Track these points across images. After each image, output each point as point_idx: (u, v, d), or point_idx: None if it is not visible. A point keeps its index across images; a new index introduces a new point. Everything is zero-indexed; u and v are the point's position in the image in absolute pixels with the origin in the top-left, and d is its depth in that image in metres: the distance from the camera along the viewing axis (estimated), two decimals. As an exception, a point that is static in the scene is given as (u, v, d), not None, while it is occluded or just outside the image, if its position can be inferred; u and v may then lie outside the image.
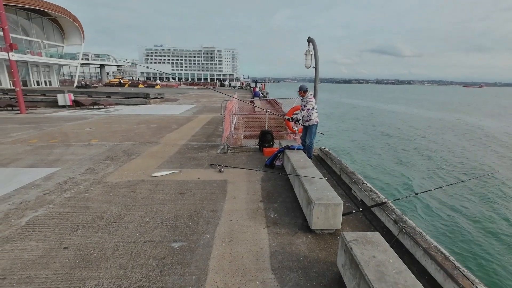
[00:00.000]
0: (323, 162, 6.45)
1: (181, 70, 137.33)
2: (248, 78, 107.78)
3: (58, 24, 37.38)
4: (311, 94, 5.99)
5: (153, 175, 5.18)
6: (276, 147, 6.72)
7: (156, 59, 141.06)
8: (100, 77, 54.59)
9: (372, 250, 2.25)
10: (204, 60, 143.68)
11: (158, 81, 65.99)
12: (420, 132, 22.81)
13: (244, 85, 67.36)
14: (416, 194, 3.69)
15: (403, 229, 3.05)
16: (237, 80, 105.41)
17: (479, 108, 47.30)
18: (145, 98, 20.56)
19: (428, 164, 13.35)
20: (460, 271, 2.37)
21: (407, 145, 17.62)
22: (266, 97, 29.17)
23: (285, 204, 4.08)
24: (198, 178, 5.10)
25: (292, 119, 6.49)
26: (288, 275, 2.59)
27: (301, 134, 6.57)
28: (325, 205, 3.22)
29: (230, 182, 4.92)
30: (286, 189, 4.64)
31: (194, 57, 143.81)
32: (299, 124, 6.35)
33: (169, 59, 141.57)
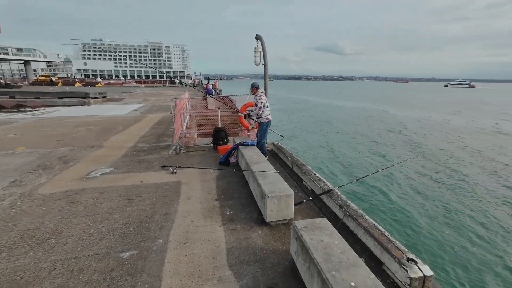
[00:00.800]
0: (276, 156, 6.68)
1: (126, 67, 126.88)
2: (200, 75, 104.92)
3: (-37, 11, 31.13)
4: (262, 92, 6.10)
5: (87, 176, 4.78)
6: (230, 145, 6.72)
7: (95, 55, 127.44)
8: (25, 75, 47.12)
9: (320, 235, 2.43)
10: (151, 57, 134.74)
11: (99, 79, 59.91)
12: (358, 124, 25.15)
13: (196, 83, 65.48)
14: (357, 179, 4.09)
15: (347, 213, 3.35)
16: (189, 77, 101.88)
17: (404, 102, 54.01)
18: (84, 98, 18.54)
19: (366, 151, 14.86)
20: (393, 243, 2.70)
21: (351, 136, 19.31)
22: (219, 94, 28.85)
23: (240, 200, 4.13)
24: (149, 181, 4.83)
25: (248, 115, 6.49)
26: (245, 269, 2.64)
27: (256, 131, 6.67)
28: (277, 197, 3.34)
29: (184, 183, 4.77)
30: (241, 186, 4.69)
31: (140, 53, 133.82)
32: (252, 119, 6.42)
33: (110, 55, 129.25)
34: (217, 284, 2.44)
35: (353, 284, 1.85)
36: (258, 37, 6.96)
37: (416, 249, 6.03)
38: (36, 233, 3.20)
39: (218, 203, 4.04)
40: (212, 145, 7.29)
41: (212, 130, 7.46)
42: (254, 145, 5.76)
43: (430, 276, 2.35)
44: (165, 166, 5.60)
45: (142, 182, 4.79)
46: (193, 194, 4.33)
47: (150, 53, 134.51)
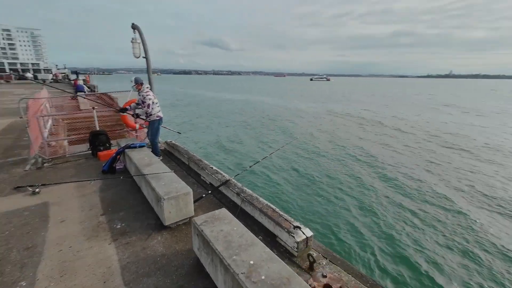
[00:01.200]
0: (171, 155, 6.35)
1: None
2: (65, 68, 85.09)
3: None
4: (148, 87, 5.57)
5: None
6: (114, 149, 5.87)
7: None
8: None
9: (220, 225, 2.50)
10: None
11: None
12: (246, 115, 27.27)
13: (60, 78, 52.84)
14: (250, 166, 4.44)
15: (244, 199, 3.60)
16: (48, 71, 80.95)
17: (283, 93, 62.52)
18: None
19: (256, 139, 16.41)
20: (283, 217, 3.12)
21: (242, 126, 20.68)
22: (94, 91, 24.40)
23: (133, 209, 3.71)
24: (-5, 211, 3.60)
25: (136, 115, 5.76)
26: (146, 282, 2.42)
27: (145, 130, 6.04)
28: (175, 197, 3.20)
29: (54, 204, 3.83)
30: (133, 193, 4.21)
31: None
32: (141, 118, 5.79)
33: None
34: (112, 309, 2.13)
35: (251, 262, 2.02)
36: (134, 27, 6.28)
37: (301, 217, 7.22)
38: None
39: (105, 218, 3.48)
40: (90, 152, 6.15)
41: (88, 135, 6.27)
42: (143, 146, 5.25)
43: (311, 236, 2.87)
44: (20, 186, 4.31)
45: (-17, 214, 3.52)
46: (69, 214, 3.55)
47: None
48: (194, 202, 3.52)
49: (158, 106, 5.57)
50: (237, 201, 3.76)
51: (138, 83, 5.45)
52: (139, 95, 5.49)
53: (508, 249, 6.04)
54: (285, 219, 3.08)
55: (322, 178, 9.99)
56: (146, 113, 5.44)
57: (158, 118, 5.54)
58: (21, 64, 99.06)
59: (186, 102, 39.50)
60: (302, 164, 11.58)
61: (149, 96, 5.38)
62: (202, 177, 4.82)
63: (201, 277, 2.49)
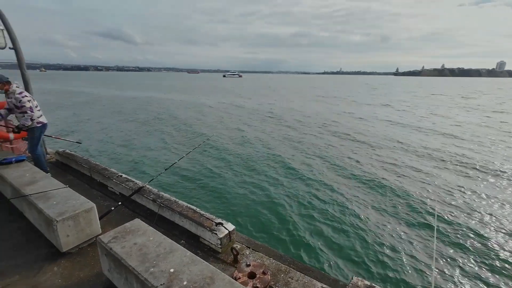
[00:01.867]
0: (66, 166, 5.31)
1: None
2: None
3: None
4: (19, 86, 4.41)
5: None
6: (-24, 168, 4.46)
7: None
8: None
9: (133, 239, 2.26)
10: None
11: None
12: (154, 114, 25.53)
13: None
14: (166, 169, 4.16)
15: (161, 204, 3.36)
16: None
17: (196, 91, 61.49)
18: None
19: (168, 140, 15.61)
20: (205, 216, 3.07)
21: (149, 127, 19.20)
22: None
23: (13, 242, 2.93)
24: None
25: (20, 128, 4.40)
26: (39, 327, 1.96)
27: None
28: (72, 217, 2.70)
29: None
30: (12, 221, 3.32)
31: None
32: (24, 129, 4.48)
33: None
34: None
35: (172, 270, 1.91)
36: (-9, 8, 4.85)
37: (225, 212, 7.32)
38: None
39: (-33, 260, 2.63)
40: None
41: None
42: (23, 159, 4.19)
43: (233, 230, 2.94)
44: None
45: None
46: None
47: None
48: (100, 218, 3.06)
49: (38, 110, 4.52)
50: (154, 208, 3.48)
51: (3, 82, 4.26)
52: (9, 98, 4.31)
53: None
54: (207, 218, 3.04)
55: (240, 173, 10.34)
56: (31, 119, 4.33)
57: (39, 125, 4.48)
58: None
59: (79, 102, 33.65)
60: (219, 162, 11.66)
61: (26, 98, 4.28)
62: (109, 188, 4.23)
63: (115, 301, 2.20)
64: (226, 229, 2.84)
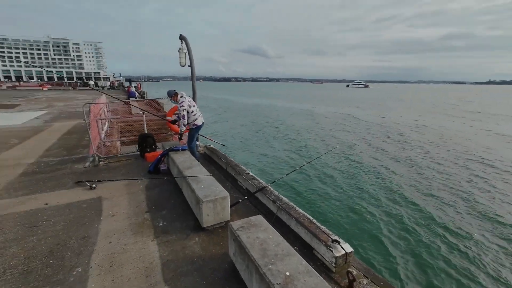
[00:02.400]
0: (210, 159, 6.58)
1: (20, 66, 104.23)
2: (120, 76, 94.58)
3: None
4: (183, 97, 5.49)
5: None
6: (159, 151, 6.28)
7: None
8: None
9: (256, 232, 2.50)
10: (54, 55, 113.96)
11: (-22, 81, 47.12)
12: (285, 121, 27.16)
13: (116, 85, 58.84)
14: (287, 174, 4.38)
15: (280, 207, 3.55)
16: (106, 79, 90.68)
17: (320, 100, 61.07)
18: (-45, 106, 14.36)
19: (293, 146, 16.20)
20: (321, 229, 3.01)
21: (279, 132, 20.64)
22: (143, 97, 26.63)
23: (174, 210, 3.90)
24: (59, 202, 4.09)
25: (175, 121, 6.08)
26: (183, 281, 2.51)
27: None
28: (213, 201, 3.30)
29: (106, 199, 4.22)
30: (175, 193, 4.45)
31: (39, 50, 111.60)
32: (181, 127, 5.99)
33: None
34: (152, 304, 2.25)
35: (287, 273, 1.97)
36: (182, 38, 6.71)
37: (339, 230, 6.87)
38: None
39: (149, 215, 3.73)
40: (138, 153, 6.68)
41: (137, 137, 6.83)
42: (185, 149, 5.53)
43: (351, 252, 2.71)
44: (80, 181, 4.84)
45: (47, 204, 4.02)
46: (118, 209, 3.88)
47: (53, 50, 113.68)
48: (231, 206, 3.58)
49: (194, 115, 5.51)
50: (273, 208, 3.73)
51: (171, 96, 5.53)
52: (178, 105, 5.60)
53: None
54: (323, 231, 2.95)
55: (364, 191, 9.43)
56: (183, 124, 5.48)
57: (194, 127, 5.60)
58: (86, 73, 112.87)
59: (224, 108, 40.89)
60: (341, 175, 11.09)
61: (182, 107, 5.34)
62: (239, 182, 4.89)
63: (236, 282, 2.51)
64: (343, 249, 2.66)
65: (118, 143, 7.88)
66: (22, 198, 4.23)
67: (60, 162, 6.11)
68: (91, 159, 6.04)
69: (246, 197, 4.02)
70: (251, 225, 2.62)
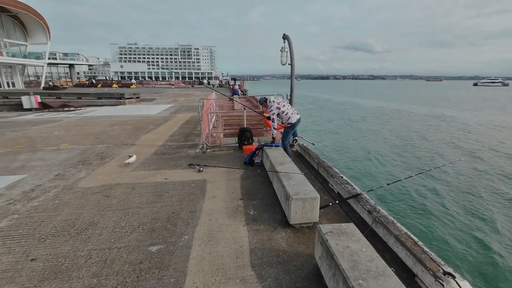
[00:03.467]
0: (301, 157, 6.57)
1: (158, 69, 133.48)
2: (227, 75, 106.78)
3: (20, 21, 34.67)
4: (273, 101, 5.65)
5: (124, 162, 5.77)
6: (255, 144, 6.74)
7: (130, 57, 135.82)
8: (70, 77, 51.48)
9: (346, 241, 2.33)
10: (181, 58, 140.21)
11: (133, 81, 63.38)
12: (391, 124, 23.87)
13: (223, 83, 66.76)
14: (388, 184, 3.87)
15: (376, 219, 3.18)
16: (216, 78, 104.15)
17: (435, 101, 50.34)
18: (119, 99, 19.74)
19: (398, 154, 14.05)
20: (428, 255, 2.52)
21: (383, 137, 18.42)
22: (245, 95, 29.13)
23: (264, 201, 4.11)
24: (176, 179, 5.00)
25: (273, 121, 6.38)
26: (268, 271, 2.62)
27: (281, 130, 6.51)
28: (302, 199, 3.28)
29: (210, 182, 4.87)
30: (265, 186, 4.68)
31: (171, 55, 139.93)
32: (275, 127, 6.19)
33: (144, 58, 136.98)
34: (240, 283, 2.45)
35: (381, 295, 1.74)
36: (285, 37, 6.90)
37: (453, 262, 5.57)
38: (75, 224, 3.46)
39: (242, 202, 4.06)
40: (237, 144, 7.37)
41: (237, 130, 7.54)
42: (279, 145, 5.72)
43: (470, 293, 2.15)
44: (192, 164, 5.77)
45: (166, 179, 4.98)
46: (218, 193, 4.40)
47: (181, 55, 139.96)
48: (320, 208, 3.47)
49: (286, 114, 5.58)
50: (368, 219, 3.38)
51: (262, 103, 5.96)
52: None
53: None
54: (431, 258, 2.46)
55: (493, 221, 7.32)
56: (273, 128, 5.68)
57: (288, 125, 5.71)
58: (201, 73, 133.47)
59: (319, 106, 39.80)
60: (459, 196, 8.95)
61: (271, 112, 5.53)
62: (330, 185, 4.68)
63: (319, 287, 2.42)
64: (460, 286, 2.14)
65: (221, 135, 8.94)
66: (153, 172, 5.41)
67: (179, 146, 7.46)
68: (200, 146, 7.09)
69: (337, 202, 3.80)
70: (342, 232, 2.45)
